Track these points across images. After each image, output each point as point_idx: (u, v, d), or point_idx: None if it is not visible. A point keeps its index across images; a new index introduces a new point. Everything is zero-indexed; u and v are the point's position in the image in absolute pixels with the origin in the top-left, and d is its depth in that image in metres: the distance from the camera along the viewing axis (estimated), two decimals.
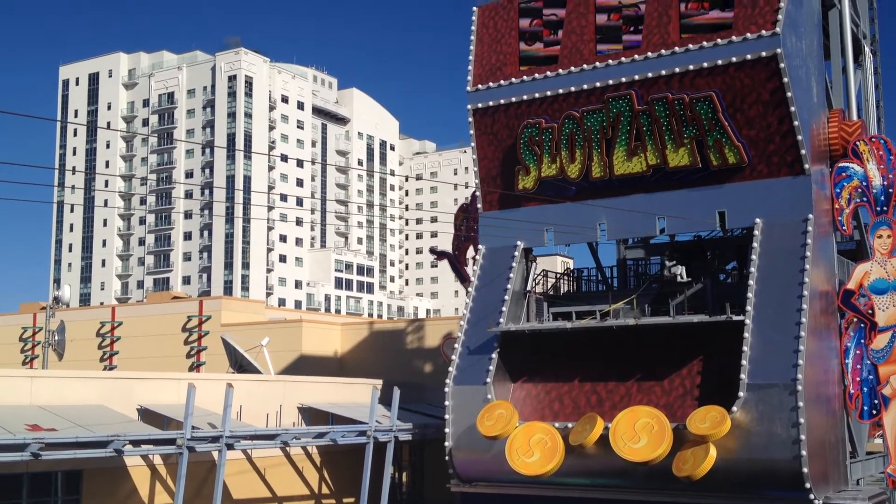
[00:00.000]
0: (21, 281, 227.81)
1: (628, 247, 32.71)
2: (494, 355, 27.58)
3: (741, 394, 23.45)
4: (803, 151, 25.19)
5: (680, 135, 26.06)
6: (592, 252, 32.31)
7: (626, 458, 23.59)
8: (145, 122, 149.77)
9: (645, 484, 24.76)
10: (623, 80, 27.23)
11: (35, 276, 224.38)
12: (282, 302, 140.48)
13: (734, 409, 23.35)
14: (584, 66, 28.01)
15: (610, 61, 27.55)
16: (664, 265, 32.21)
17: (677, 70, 26.35)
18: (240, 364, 40.87)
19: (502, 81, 29.46)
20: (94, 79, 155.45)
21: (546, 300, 29.48)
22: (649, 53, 26.89)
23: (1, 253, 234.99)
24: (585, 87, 27.84)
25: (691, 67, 26.19)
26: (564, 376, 27.52)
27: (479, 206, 30.57)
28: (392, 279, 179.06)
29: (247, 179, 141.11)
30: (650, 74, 26.74)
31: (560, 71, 28.36)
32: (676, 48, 26.44)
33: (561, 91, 28.29)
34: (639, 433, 23.53)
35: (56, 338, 38.23)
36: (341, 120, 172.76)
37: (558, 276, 32.33)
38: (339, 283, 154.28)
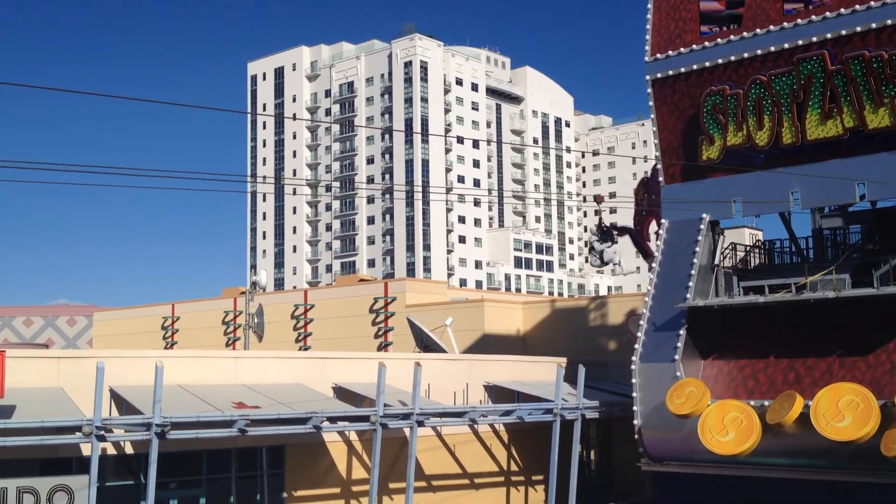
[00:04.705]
0: (222, 268, 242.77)
1: (824, 216, 30.97)
2: (682, 332, 26.90)
3: None
4: None
5: (879, 94, 24.39)
6: (785, 222, 30.84)
7: (830, 438, 22.46)
8: (328, 112, 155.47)
9: (850, 464, 23.49)
10: (814, 39, 25.80)
11: (234, 263, 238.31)
12: (463, 282, 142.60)
13: None
14: (771, 27, 26.75)
15: (799, 21, 26.15)
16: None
17: (874, 25, 24.65)
18: (425, 343, 41.76)
19: (682, 49, 28.59)
20: (279, 73, 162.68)
21: (735, 274, 28.43)
22: (842, 10, 25.31)
23: (204, 243, 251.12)
24: (773, 49, 26.59)
25: (889, 22, 24.46)
26: (758, 353, 26.49)
27: (660, 179, 29.81)
28: (571, 257, 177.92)
29: (425, 163, 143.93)
30: (844, 32, 25.18)
31: (744, 34, 27.18)
32: (872, 2, 24.74)
33: (746, 55, 27.16)
34: (842, 411, 22.34)
35: (255, 320, 40.25)
36: (515, 99, 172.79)
37: (748, 248, 31.07)
38: (518, 263, 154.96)
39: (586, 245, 29.33)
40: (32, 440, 19.39)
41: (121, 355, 24.26)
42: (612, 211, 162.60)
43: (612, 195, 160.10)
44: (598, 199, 25.57)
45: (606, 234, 29.98)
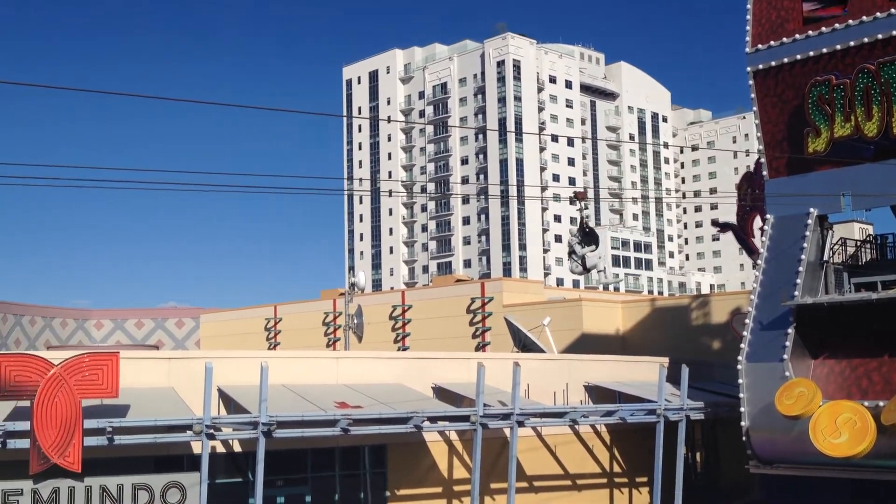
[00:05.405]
0: (321, 270, 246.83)
1: None
2: (790, 330, 26.11)
3: None
4: None
5: None
6: None
7: None
8: (422, 114, 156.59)
9: None
10: None
11: (332, 265, 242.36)
12: (559, 281, 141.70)
13: None
14: (878, 14, 25.76)
15: None
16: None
17: None
18: (523, 343, 41.63)
19: (785, 39, 27.79)
20: (373, 76, 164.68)
21: (846, 270, 27.45)
22: None
23: (303, 246, 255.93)
24: (880, 36, 25.61)
25: None
26: (872, 351, 25.50)
27: (764, 173, 29.02)
28: (671, 255, 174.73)
29: (519, 162, 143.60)
30: None
31: (850, 22, 26.24)
32: None
33: (852, 43, 26.21)
34: None
35: (355, 321, 40.81)
36: (610, 95, 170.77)
37: (858, 243, 29.97)
38: (616, 261, 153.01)
39: (569, 251, 25.01)
40: (145, 438, 20.11)
41: (227, 356, 24.95)
42: (714, 207, 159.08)
43: (713, 191, 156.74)
44: (579, 195, 22.58)
45: (589, 235, 26.79)
